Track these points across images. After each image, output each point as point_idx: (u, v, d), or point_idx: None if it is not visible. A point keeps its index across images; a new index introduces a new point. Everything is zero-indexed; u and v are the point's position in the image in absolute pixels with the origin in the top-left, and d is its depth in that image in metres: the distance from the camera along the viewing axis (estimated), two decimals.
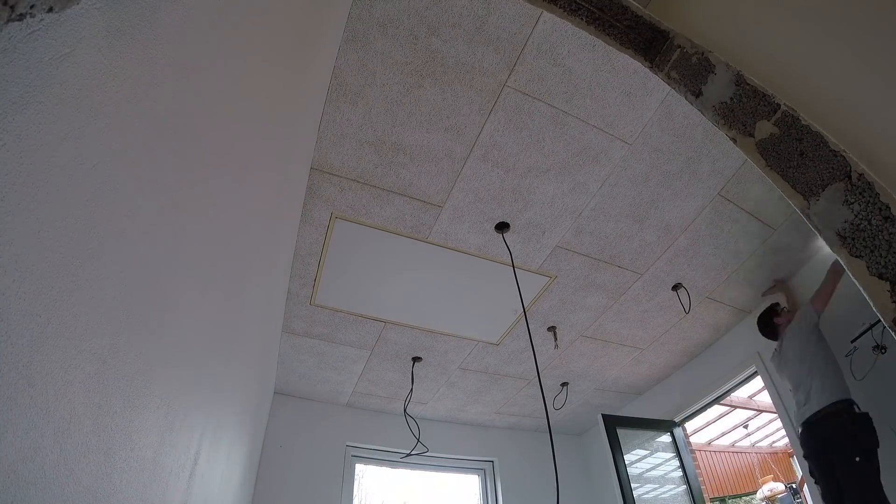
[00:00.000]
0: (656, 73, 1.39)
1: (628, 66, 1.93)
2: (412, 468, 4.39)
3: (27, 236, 0.39)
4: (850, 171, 0.91)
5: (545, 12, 1.62)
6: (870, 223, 0.87)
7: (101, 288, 0.53)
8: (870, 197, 0.88)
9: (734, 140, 1.15)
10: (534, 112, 2.07)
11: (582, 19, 1.36)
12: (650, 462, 3.78)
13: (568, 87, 1.99)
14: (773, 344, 2.86)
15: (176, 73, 0.61)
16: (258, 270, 1.57)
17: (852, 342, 2.57)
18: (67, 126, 0.42)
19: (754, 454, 8.92)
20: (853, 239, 0.90)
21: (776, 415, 3.43)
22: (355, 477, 4.05)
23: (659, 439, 3.88)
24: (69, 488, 0.54)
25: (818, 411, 2.34)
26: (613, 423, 3.66)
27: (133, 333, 0.65)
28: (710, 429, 8.14)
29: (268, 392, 3.47)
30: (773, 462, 8.66)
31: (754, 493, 7.64)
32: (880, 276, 0.85)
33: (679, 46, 1.30)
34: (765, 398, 6.22)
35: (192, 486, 1.21)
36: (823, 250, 2.89)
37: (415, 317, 3.21)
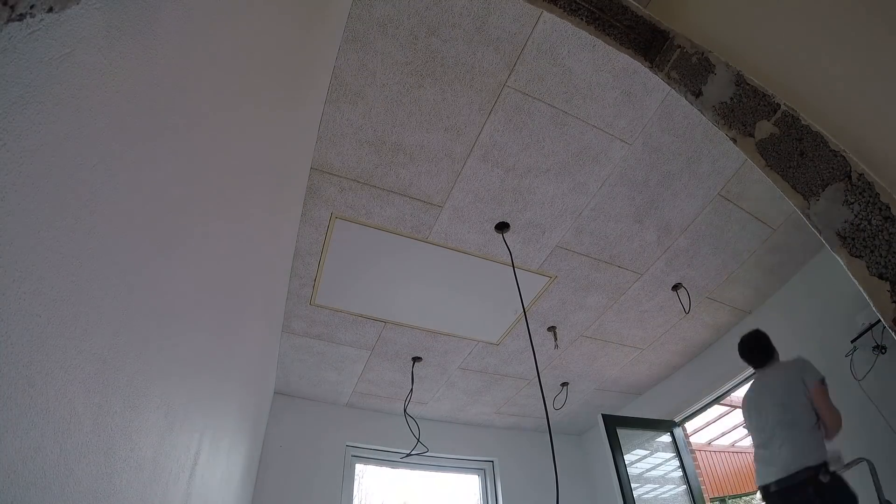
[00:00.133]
0: (656, 73, 1.39)
1: (628, 66, 1.93)
2: (412, 468, 4.39)
3: (27, 236, 0.39)
4: (850, 171, 0.91)
5: (545, 12, 1.62)
6: (870, 223, 0.87)
7: (101, 288, 0.53)
8: (870, 197, 0.88)
9: (734, 140, 1.15)
10: (534, 112, 2.07)
11: (582, 19, 1.36)
12: (650, 462, 3.78)
13: (568, 87, 1.99)
14: (774, 343, 2.85)
15: (176, 73, 0.61)
16: (258, 270, 1.57)
17: (852, 342, 2.57)
18: (67, 126, 0.42)
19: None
20: (853, 239, 0.90)
21: None
22: (355, 477, 4.05)
23: (659, 439, 3.88)
24: (69, 488, 0.54)
25: (780, 480, 2.06)
26: (613, 423, 3.66)
27: (133, 333, 0.65)
28: (710, 429, 8.13)
29: (268, 392, 3.47)
30: None
31: (754, 493, 7.64)
32: (880, 276, 0.85)
33: (679, 46, 1.30)
34: None
35: (192, 486, 1.21)
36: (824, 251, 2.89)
37: (415, 317, 3.21)
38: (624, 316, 3.33)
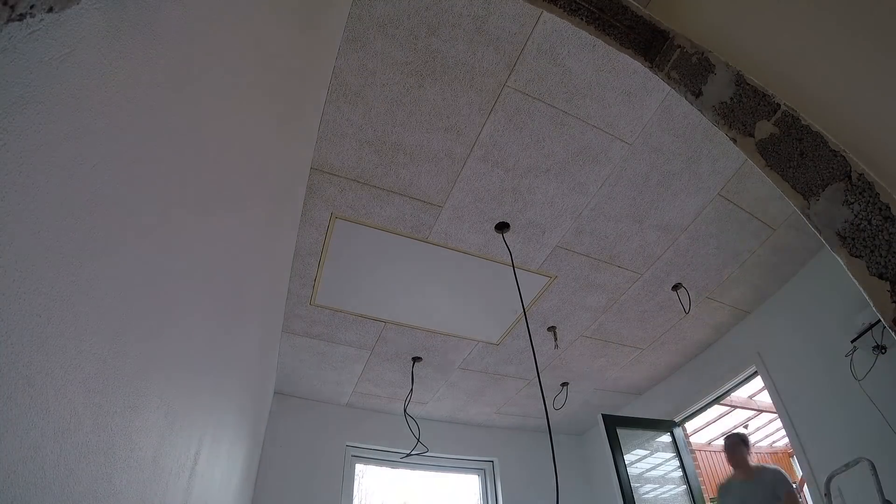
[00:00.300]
0: (656, 73, 1.39)
1: (628, 66, 1.93)
2: (412, 468, 4.39)
3: (27, 236, 0.39)
4: (850, 171, 0.91)
5: (545, 12, 1.62)
6: (870, 223, 0.87)
7: (101, 288, 0.53)
8: (870, 197, 0.88)
9: (734, 140, 1.15)
10: (534, 112, 2.07)
11: (582, 19, 1.36)
12: (650, 462, 3.78)
13: (568, 87, 1.99)
14: (774, 343, 2.86)
15: (176, 73, 0.61)
16: (258, 270, 1.57)
17: (852, 342, 2.57)
18: (67, 126, 0.42)
19: (754, 454, 8.92)
20: (853, 239, 0.90)
21: (776, 415, 3.42)
22: (355, 477, 4.05)
23: (659, 439, 3.88)
24: (69, 488, 0.54)
25: None
26: (613, 423, 3.66)
27: (133, 333, 0.65)
28: (710, 429, 8.12)
29: (268, 392, 3.47)
30: (773, 462, 8.67)
31: None
32: (880, 276, 0.85)
33: (679, 46, 1.30)
34: (765, 398, 6.21)
35: (192, 486, 1.21)
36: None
37: (415, 317, 3.21)
38: (624, 316, 3.33)
